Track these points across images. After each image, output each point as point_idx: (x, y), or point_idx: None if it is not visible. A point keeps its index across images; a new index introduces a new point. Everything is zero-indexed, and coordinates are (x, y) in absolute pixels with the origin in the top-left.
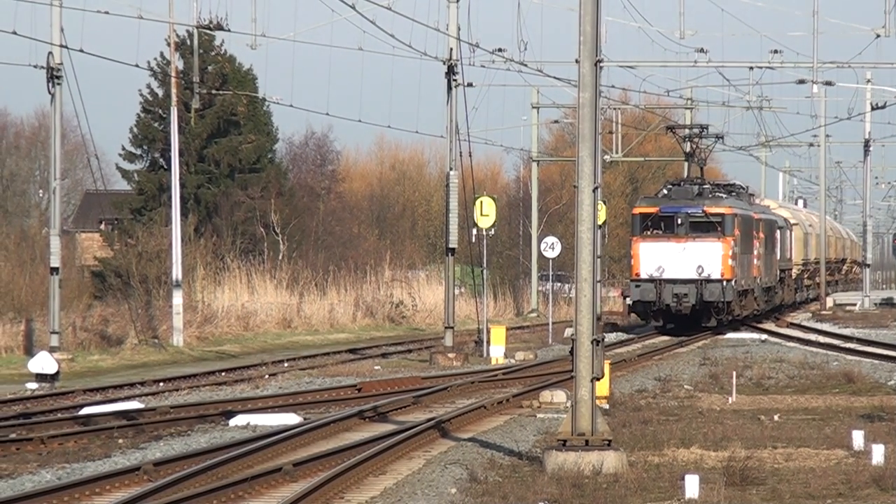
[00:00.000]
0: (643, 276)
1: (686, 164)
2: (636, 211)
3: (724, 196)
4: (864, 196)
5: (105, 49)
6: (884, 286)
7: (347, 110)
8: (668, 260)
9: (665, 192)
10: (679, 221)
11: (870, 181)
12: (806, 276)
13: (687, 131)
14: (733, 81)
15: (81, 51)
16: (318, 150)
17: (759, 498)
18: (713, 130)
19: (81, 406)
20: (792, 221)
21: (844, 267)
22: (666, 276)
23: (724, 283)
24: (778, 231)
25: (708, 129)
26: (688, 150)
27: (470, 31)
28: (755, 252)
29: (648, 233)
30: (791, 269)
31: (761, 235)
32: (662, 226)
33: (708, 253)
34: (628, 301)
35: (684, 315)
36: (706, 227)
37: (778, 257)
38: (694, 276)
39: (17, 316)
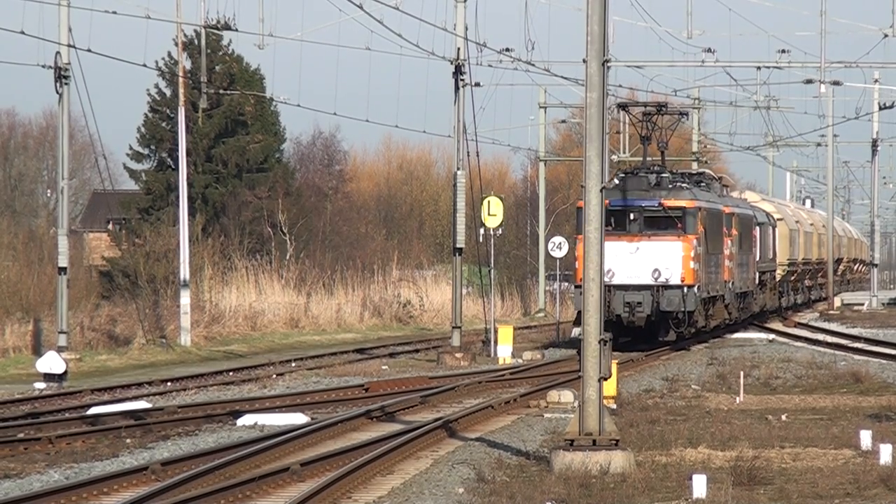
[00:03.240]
0: None
1: (643, 148)
2: (581, 204)
3: (687, 187)
4: (871, 196)
5: (113, 49)
6: (891, 286)
7: (355, 110)
8: (618, 262)
9: (616, 182)
10: (632, 217)
11: (878, 181)
12: (793, 278)
13: (642, 109)
14: (741, 81)
15: (89, 50)
16: (325, 149)
17: (766, 498)
18: (714, 122)
19: (89, 406)
20: (776, 217)
21: (841, 267)
22: (616, 281)
23: (685, 289)
24: (757, 228)
25: (667, 107)
26: (643, 132)
27: (477, 30)
28: (726, 252)
29: None
30: (774, 271)
31: (735, 232)
32: (612, 222)
33: (665, 254)
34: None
35: (638, 327)
36: (664, 224)
37: (757, 258)
38: (649, 281)
39: (25, 316)
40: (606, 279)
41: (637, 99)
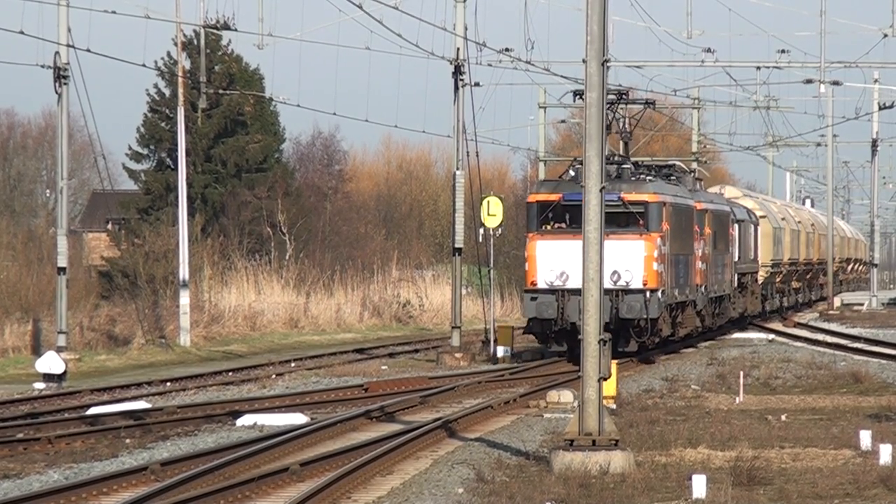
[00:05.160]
0: (541, 284)
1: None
2: (532, 199)
3: (652, 179)
4: (871, 196)
5: (112, 49)
6: (891, 286)
7: (354, 110)
8: (573, 263)
9: (572, 173)
10: None
11: (877, 181)
12: (778, 279)
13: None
14: (740, 81)
15: (88, 50)
16: (325, 149)
17: (766, 498)
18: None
19: (89, 406)
20: (758, 214)
21: (833, 267)
22: (570, 284)
23: (647, 294)
24: (736, 226)
25: (629, 95)
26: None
27: (477, 30)
28: (698, 252)
29: (548, 227)
30: (756, 273)
31: (708, 231)
32: (567, 218)
33: (626, 254)
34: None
35: None
36: (624, 220)
37: (735, 258)
38: (607, 284)
39: (24, 316)
40: (559, 283)
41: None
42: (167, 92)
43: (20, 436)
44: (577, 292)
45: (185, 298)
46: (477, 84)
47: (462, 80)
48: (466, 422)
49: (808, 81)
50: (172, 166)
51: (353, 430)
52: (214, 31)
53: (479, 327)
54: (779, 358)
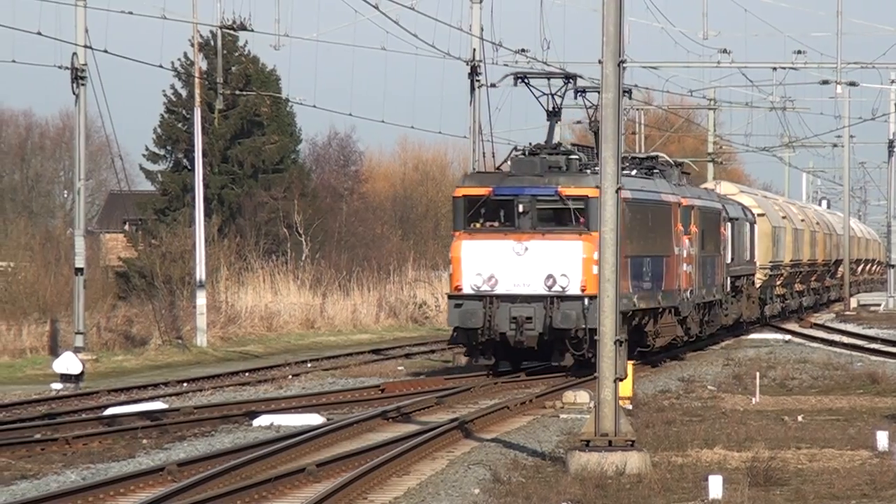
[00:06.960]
0: (466, 289)
1: (550, 125)
2: (459, 193)
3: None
4: (888, 196)
5: (129, 49)
6: None
7: (370, 111)
8: (503, 266)
9: (509, 164)
10: (521, 208)
11: (894, 181)
12: (778, 282)
13: (547, 82)
14: (756, 82)
15: (106, 51)
16: (341, 150)
17: (782, 499)
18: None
19: (106, 406)
20: (756, 211)
21: (840, 268)
22: (500, 290)
23: (586, 300)
24: (728, 224)
25: (576, 81)
26: (551, 107)
27: (493, 30)
28: (681, 253)
29: (476, 225)
30: (753, 276)
31: (693, 230)
32: (501, 215)
33: (562, 256)
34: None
35: (529, 349)
36: (561, 217)
37: (728, 259)
38: (541, 290)
39: (41, 316)
40: (487, 288)
41: (653, 100)
42: (184, 93)
43: (38, 436)
44: (507, 298)
45: (201, 299)
46: (493, 85)
47: (478, 80)
48: (482, 422)
49: (825, 82)
50: (189, 167)
51: (369, 431)
52: (231, 31)
53: None
54: (795, 359)
